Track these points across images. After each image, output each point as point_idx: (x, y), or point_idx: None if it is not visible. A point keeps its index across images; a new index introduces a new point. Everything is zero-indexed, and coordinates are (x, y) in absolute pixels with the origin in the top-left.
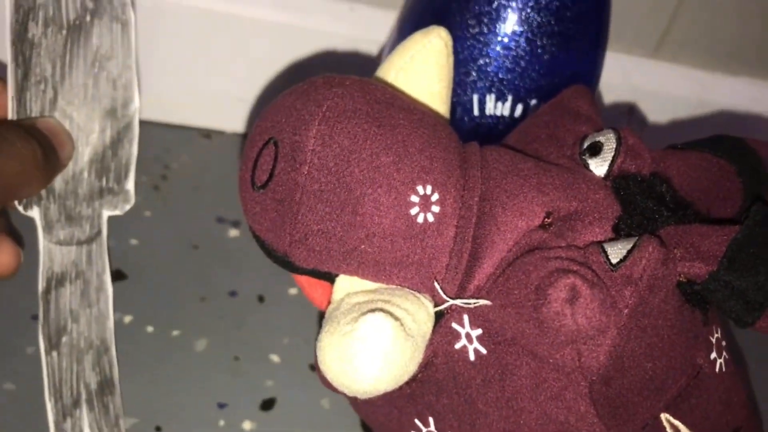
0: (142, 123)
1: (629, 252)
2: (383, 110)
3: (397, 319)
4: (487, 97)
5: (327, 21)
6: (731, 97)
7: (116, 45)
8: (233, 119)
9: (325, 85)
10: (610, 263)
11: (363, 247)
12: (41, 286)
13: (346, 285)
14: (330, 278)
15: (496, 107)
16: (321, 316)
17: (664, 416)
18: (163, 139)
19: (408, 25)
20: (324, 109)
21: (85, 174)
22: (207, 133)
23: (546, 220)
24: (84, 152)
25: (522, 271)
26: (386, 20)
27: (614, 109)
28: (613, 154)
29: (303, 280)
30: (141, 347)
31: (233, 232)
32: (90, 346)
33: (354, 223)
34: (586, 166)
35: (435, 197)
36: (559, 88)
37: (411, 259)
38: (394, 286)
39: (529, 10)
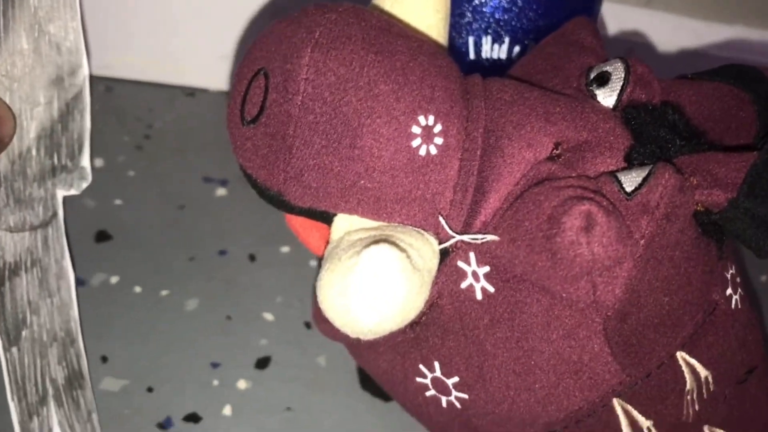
0: (124, 82)
1: (644, 180)
2: (380, 36)
3: (402, 251)
4: (483, 40)
5: None
6: (726, 46)
7: (57, 4)
8: (217, 77)
9: (318, 11)
10: (625, 191)
11: (362, 182)
12: None
13: (345, 224)
14: (327, 219)
15: (492, 50)
16: (316, 272)
17: (680, 354)
18: (145, 99)
19: None
20: (317, 35)
21: (33, 152)
22: (191, 92)
23: (554, 150)
24: (30, 128)
25: (532, 201)
26: None
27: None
28: (621, 83)
29: (297, 223)
30: (129, 308)
31: (221, 191)
32: (54, 339)
33: (352, 156)
34: (594, 97)
35: (437, 128)
36: (556, 28)
37: (413, 194)
38: (395, 224)
39: None
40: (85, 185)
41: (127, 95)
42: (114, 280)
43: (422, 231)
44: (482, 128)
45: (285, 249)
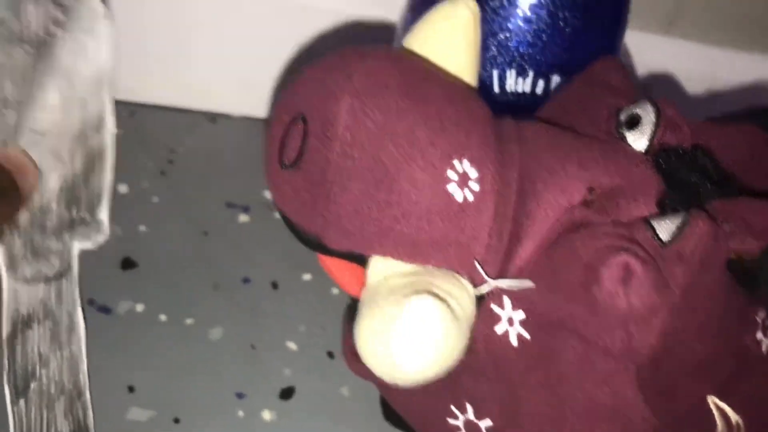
0: (147, 107)
1: (679, 228)
2: (416, 82)
3: (443, 301)
4: (508, 73)
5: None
6: (744, 73)
7: (89, 62)
8: (239, 103)
9: (354, 56)
10: (660, 240)
11: (399, 227)
12: (6, 330)
13: (381, 267)
14: (362, 261)
15: (516, 83)
16: (338, 300)
17: (711, 399)
18: (168, 124)
19: (419, 9)
20: (354, 81)
21: (54, 205)
22: (213, 117)
23: (588, 196)
24: (52, 181)
25: (569, 249)
26: None
27: None
28: (652, 127)
29: (331, 263)
30: (155, 337)
31: (243, 218)
32: (62, 392)
33: (390, 202)
34: (624, 140)
35: (473, 174)
36: (581, 62)
37: (449, 238)
38: (431, 267)
39: None
40: (101, 239)
41: (150, 120)
42: (140, 308)
43: (457, 276)
44: (517, 173)
45: (307, 276)
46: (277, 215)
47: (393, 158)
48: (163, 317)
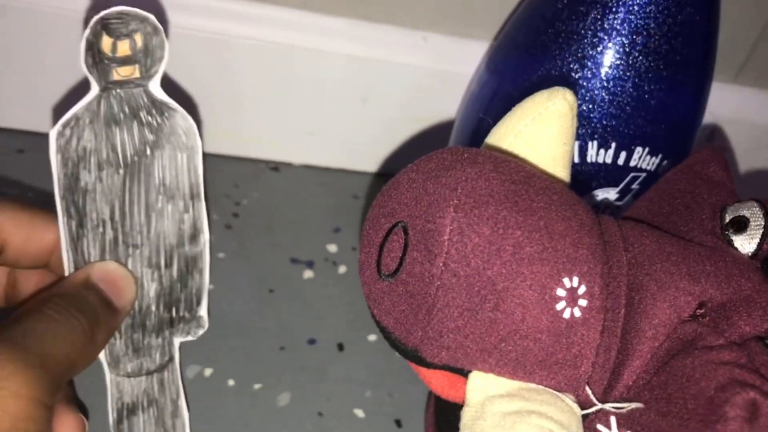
0: (211, 156)
1: None
2: (521, 192)
3: None
4: (589, 144)
5: (399, 52)
6: None
7: (182, 175)
8: (301, 151)
9: (456, 163)
10: None
11: (504, 345)
12: (112, 417)
13: (482, 383)
14: (462, 372)
15: (598, 154)
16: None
17: None
18: (231, 173)
19: (504, 64)
20: (459, 192)
21: (153, 308)
22: (275, 166)
23: (698, 310)
24: (150, 288)
25: (685, 377)
26: (461, 51)
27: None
28: (762, 231)
29: (425, 369)
30: (224, 402)
31: (308, 274)
32: None
33: (495, 320)
34: (731, 243)
35: (582, 290)
36: (664, 133)
37: (555, 357)
38: (535, 386)
39: (636, 54)
40: (201, 332)
41: (214, 170)
42: (208, 372)
43: (563, 396)
44: (625, 285)
45: (372, 337)
46: (341, 270)
47: (500, 275)
48: (231, 382)
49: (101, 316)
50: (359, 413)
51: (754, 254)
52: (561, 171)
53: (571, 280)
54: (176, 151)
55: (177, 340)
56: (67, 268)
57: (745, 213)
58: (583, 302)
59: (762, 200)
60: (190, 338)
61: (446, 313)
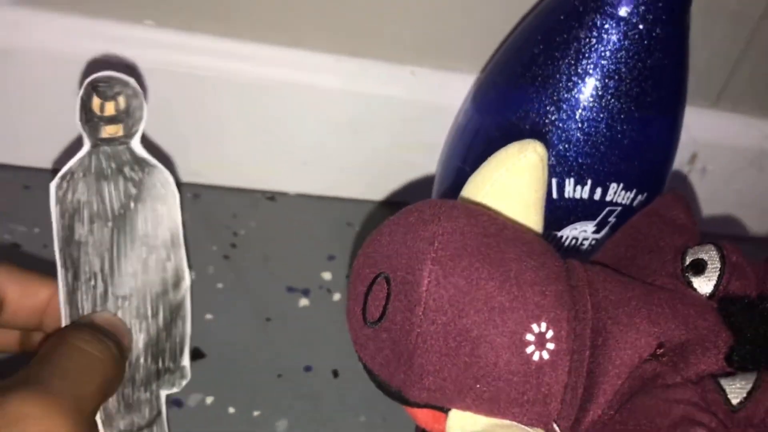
0: (210, 188)
1: (749, 393)
2: (493, 244)
3: None
4: (566, 181)
5: (387, 86)
6: None
7: (162, 226)
8: (296, 181)
9: (434, 217)
10: (731, 404)
11: (479, 386)
12: None
13: (459, 420)
14: (442, 409)
15: (575, 191)
16: None
17: None
18: (229, 204)
19: (486, 101)
20: (436, 246)
21: (141, 360)
22: (271, 196)
23: (658, 350)
24: (138, 339)
25: (644, 415)
26: (448, 84)
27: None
28: (718, 273)
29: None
30: (225, 430)
31: (303, 302)
32: None
33: (470, 363)
34: (690, 285)
35: (549, 334)
36: (638, 169)
37: (527, 396)
38: (508, 422)
39: (609, 97)
40: (185, 382)
41: (213, 201)
42: (209, 400)
43: (532, 431)
44: (590, 329)
45: None
46: (335, 298)
47: (474, 323)
48: (231, 409)
49: (120, 348)
50: None
51: (711, 295)
52: (534, 216)
53: (539, 325)
54: (156, 203)
55: (163, 393)
56: (64, 320)
57: (703, 256)
58: (550, 345)
59: (719, 244)
60: (175, 390)
61: (426, 358)
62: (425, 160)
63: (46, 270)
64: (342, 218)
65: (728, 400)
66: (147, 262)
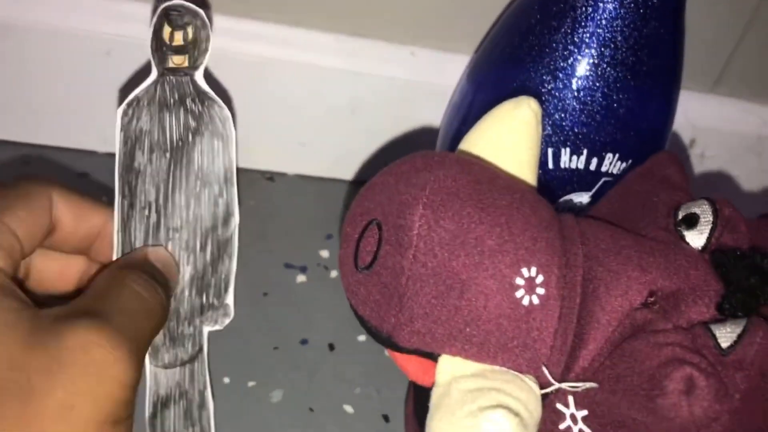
0: None
1: (739, 336)
2: (484, 191)
3: (516, 414)
4: (562, 151)
5: (387, 66)
6: None
7: (218, 161)
8: (294, 162)
9: (426, 165)
10: (720, 348)
11: (468, 330)
12: (148, 411)
13: (450, 366)
14: (432, 357)
15: (571, 160)
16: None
17: None
18: None
19: (482, 76)
20: (427, 191)
21: (186, 293)
22: (270, 176)
23: (649, 299)
24: (185, 272)
25: (633, 357)
26: (447, 64)
27: (674, 144)
28: (710, 227)
29: (399, 355)
30: (219, 399)
31: (301, 278)
32: None
33: (460, 307)
34: (683, 239)
35: (539, 279)
36: (634, 140)
37: (516, 341)
38: (498, 368)
39: (605, 65)
40: (228, 321)
41: None
42: None
43: (524, 377)
44: (580, 276)
45: (361, 338)
46: (333, 275)
47: (464, 266)
48: (226, 380)
49: (166, 290)
50: (348, 409)
51: (704, 248)
52: (528, 174)
53: (529, 270)
54: (213, 138)
55: (206, 329)
56: (116, 248)
57: (696, 210)
58: (540, 290)
59: (713, 199)
60: (217, 327)
61: (416, 301)
62: (425, 140)
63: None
64: (340, 199)
65: (718, 344)
66: (200, 195)
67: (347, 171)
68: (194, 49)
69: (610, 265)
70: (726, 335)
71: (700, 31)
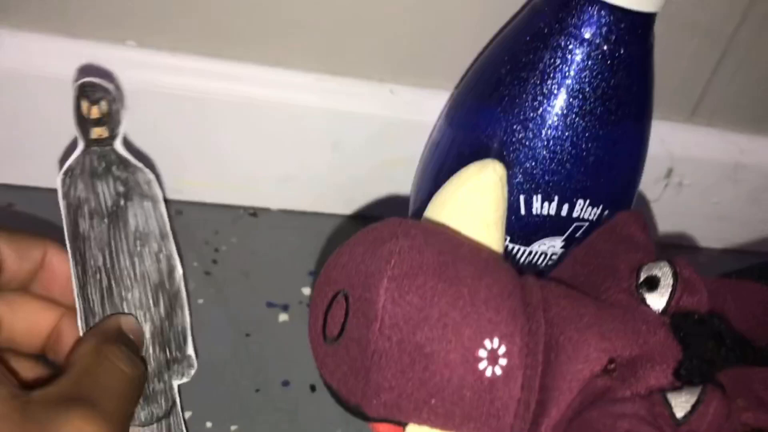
0: (192, 204)
1: (693, 407)
2: (448, 262)
3: None
4: (534, 198)
5: (367, 103)
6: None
7: (151, 220)
8: (277, 197)
9: (392, 236)
10: (675, 418)
11: (433, 401)
12: None
13: None
14: (401, 423)
15: (542, 207)
16: None
17: None
18: (212, 220)
19: (458, 119)
20: (392, 264)
21: (150, 350)
22: (253, 212)
23: (609, 365)
24: (145, 329)
25: (592, 428)
26: (426, 101)
27: (652, 173)
28: (670, 290)
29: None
30: None
31: (283, 317)
32: None
33: (424, 379)
34: (644, 301)
35: (502, 350)
36: (604, 186)
37: (480, 411)
38: None
39: (573, 116)
40: (193, 372)
41: (195, 218)
42: (187, 415)
43: None
44: (542, 344)
45: None
46: None
47: (427, 340)
48: (209, 424)
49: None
50: None
51: (664, 311)
52: (495, 233)
53: (491, 341)
54: (143, 200)
55: (175, 383)
56: (79, 315)
57: (657, 273)
58: (503, 361)
59: (673, 261)
60: (185, 380)
61: (382, 374)
62: (405, 175)
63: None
64: (322, 233)
65: (673, 414)
66: (142, 254)
67: (329, 204)
68: (111, 120)
69: (571, 333)
70: (681, 405)
71: (676, 62)
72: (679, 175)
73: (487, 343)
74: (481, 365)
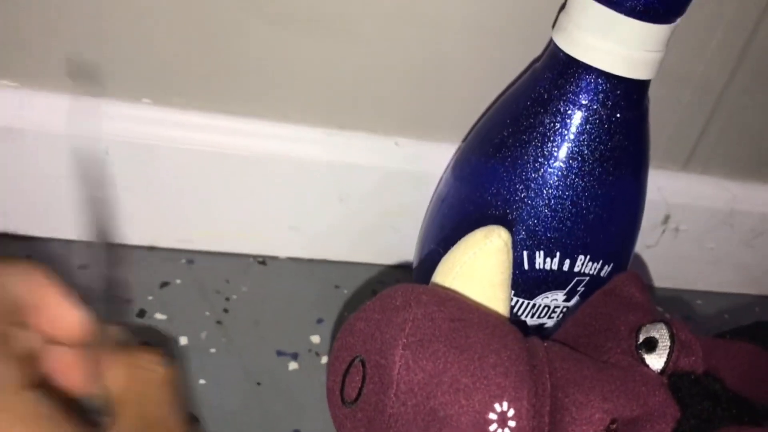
0: (203, 253)
1: None
2: (459, 328)
3: None
4: (536, 254)
5: (372, 156)
6: (764, 205)
7: None
8: (286, 245)
9: (405, 304)
10: None
11: None
12: None
13: None
14: None
15: (545, 262)
16: None
17: None
18: (222, 269)
19: (464, 175)
20: (406, 331)
21: None
22: (263, 260)
23: (611, 425)
24: None
25: None
26: (430, 154)
27: (649, 220)
28: (668, 351)
29: None
30: None
31: (292, 365)
32: None
33: None
34: (643, 361)
35: (511, 412)
36: (603, 242)
37: None
38: None
39: (573, 176)
40: None
41: (206, 267)
42: None
43: None
44: (549, 406)
45: None
46: (323, 360)
47: (441, 404)
48: None
49: None
50: None
51: (662, 371)
52: (500, 295)
53: (501, 405)
54: None
55: None
56: None
57: (655, 335)
58: (512, 423)
59: (670, 322)
60: None
61: None
62: (409, 224)
63: None
64: (330, 281)
65: None
66: None
67: (337, 252)
68: None
69: (575, 395)
70: None
71: (671, 113)
72: (675, 221)
73: (496, 406)
74: (492, 428)
